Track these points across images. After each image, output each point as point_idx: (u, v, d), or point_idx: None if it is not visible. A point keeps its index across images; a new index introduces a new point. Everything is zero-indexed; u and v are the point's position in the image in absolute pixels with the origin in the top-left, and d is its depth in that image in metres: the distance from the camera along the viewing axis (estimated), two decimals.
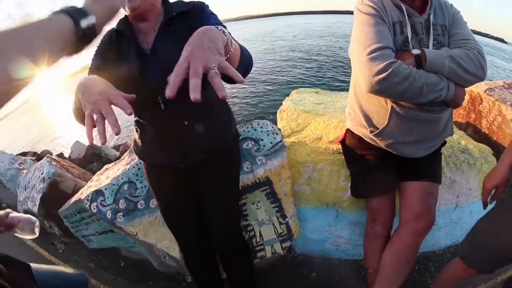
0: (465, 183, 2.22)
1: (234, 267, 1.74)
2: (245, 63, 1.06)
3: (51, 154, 7.94)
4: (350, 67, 1.55)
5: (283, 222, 1.95)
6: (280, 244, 1.98)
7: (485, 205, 1.42)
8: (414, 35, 1.44)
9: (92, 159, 4.90)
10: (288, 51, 22.16)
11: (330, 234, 2.11)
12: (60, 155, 6.42)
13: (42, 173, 2.95)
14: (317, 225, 2.09)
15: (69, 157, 5.43)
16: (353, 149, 1.75)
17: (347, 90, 1.94)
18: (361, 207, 1.95)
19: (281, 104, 2.84)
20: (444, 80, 1.33)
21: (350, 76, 1.69)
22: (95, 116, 0.79)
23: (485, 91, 3.12)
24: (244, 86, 11.71)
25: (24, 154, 6.72)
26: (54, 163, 2.97)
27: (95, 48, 1.32)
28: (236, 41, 1.03)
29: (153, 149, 1.39)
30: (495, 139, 2.97)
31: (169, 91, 0.69)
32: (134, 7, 1.16)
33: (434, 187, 1.64)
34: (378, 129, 1.55)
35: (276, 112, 2.87)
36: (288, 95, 3.16)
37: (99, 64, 1.29)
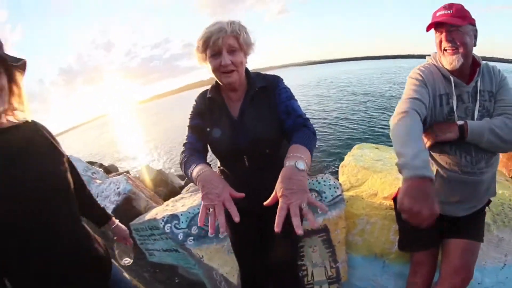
0: None
1: None
2: (313, 150, 1.39)
3: (117, 170, 8.64)
4: None
5: (334, 266, 2.12)
6: (328, 286, 2.14)
7: None
8: (461, 103, 1.59)
9: (160, 183, 5.37)
10: (349, 99, 22.29)
11: (375, 283, 2.23)
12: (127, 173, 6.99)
13: (118, 188, 3.36)
14: (364, 273, 2.22)
15: (138, 177, 5.93)
16: None
17: None
18: (407, 261, 2.03)
19: (343, 158, 3.05)
20: None
21: None
22: (210, 209, 1.13)
23: None
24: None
25: (91, 163, 7.37)
26: (130, 181, 3.37)
27: (192, 109, 1.66)
28: (307, 127, 1.46)
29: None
30: None
31: (277, 228, 1.02)
32: (231, 82, 1.48)
33: (474, 245, 1.73)
34: None
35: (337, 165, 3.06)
36: (349, 147, 3.38)
37: (198, 124, 1.61)
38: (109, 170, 7.55)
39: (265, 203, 1.12)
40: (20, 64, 1.12)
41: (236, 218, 1.09)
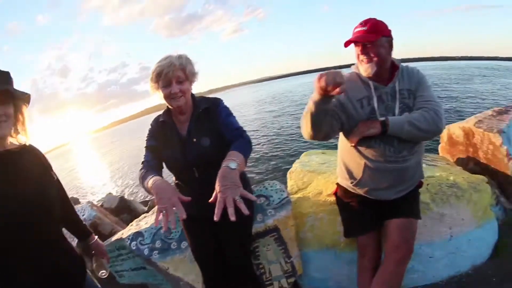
0: (455, 214, 2.39)
1: None
2: (248, 155, 1.71)
3: (78, 200, 8.53)
4: None
5: (288, 261, 2.30)
6: (286, 280, 2.32)
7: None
8: (381, 103, 1.83)
9: (123, 211, 5.48)
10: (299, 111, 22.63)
11: (331, 272, 2.42)
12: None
13: (83, 215, 3.44)
14: (319, 264, 2.41)
15: (101, 205, 5.94)
16: (341, 198, 2.16)
17: None
18: (355, 248, 2.18)
19: (291, 165, 3.27)
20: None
21: None
22: (163, 212, 1.34)
23: (474, 125, 3.33)
24: (261, 150, 12.50)
25: None
26: (95, 208, 3.48)
27: (148, 132, 1.97)
28: (242, 138, 1.79)
29: (188, 203, 1.72)
30: (493, 166, 3.14)
31: (216, 217, 1.24)
32: (179, 105, 1.80)
33: (411, 222, 1.94)
34: (356, 180, 1.97)
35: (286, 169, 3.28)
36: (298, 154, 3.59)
37: (153, 145, 1.91)
38: None
39: (210, 200, 1.34)
40: (25, 98, 1.39)
41: (184, 215, 1.31)
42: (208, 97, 1.99)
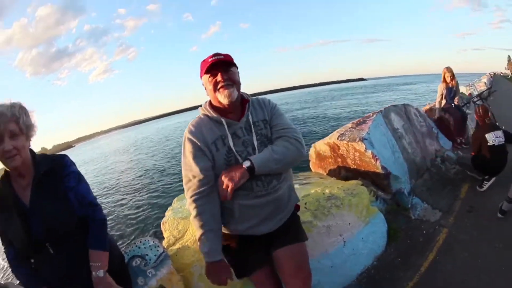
0: (341, 222, 2.51)
1: None
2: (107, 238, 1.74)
3: None
4: None
5: None
6: None
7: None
8: (237, 139, 1.76)
9: None
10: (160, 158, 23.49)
11: None
12: None
13: None
14: None
15: None
16: None
17: None
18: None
19: (164, 215, 3.21)
20: None
21: None
22: None
23: (337, 138, 3.79)
24: (129, 202, 12.24)
25: None
26: None
27: None
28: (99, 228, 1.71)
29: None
30: (363, 169, 3.58)
31: None
32: (16, 166, 1.54)
33: (299, 246, 1.92)
34: (229, 223, 1.86)
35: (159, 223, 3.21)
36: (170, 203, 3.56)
37: None
38: None
39: None
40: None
41: None
42: (52, 155, 1.73)
